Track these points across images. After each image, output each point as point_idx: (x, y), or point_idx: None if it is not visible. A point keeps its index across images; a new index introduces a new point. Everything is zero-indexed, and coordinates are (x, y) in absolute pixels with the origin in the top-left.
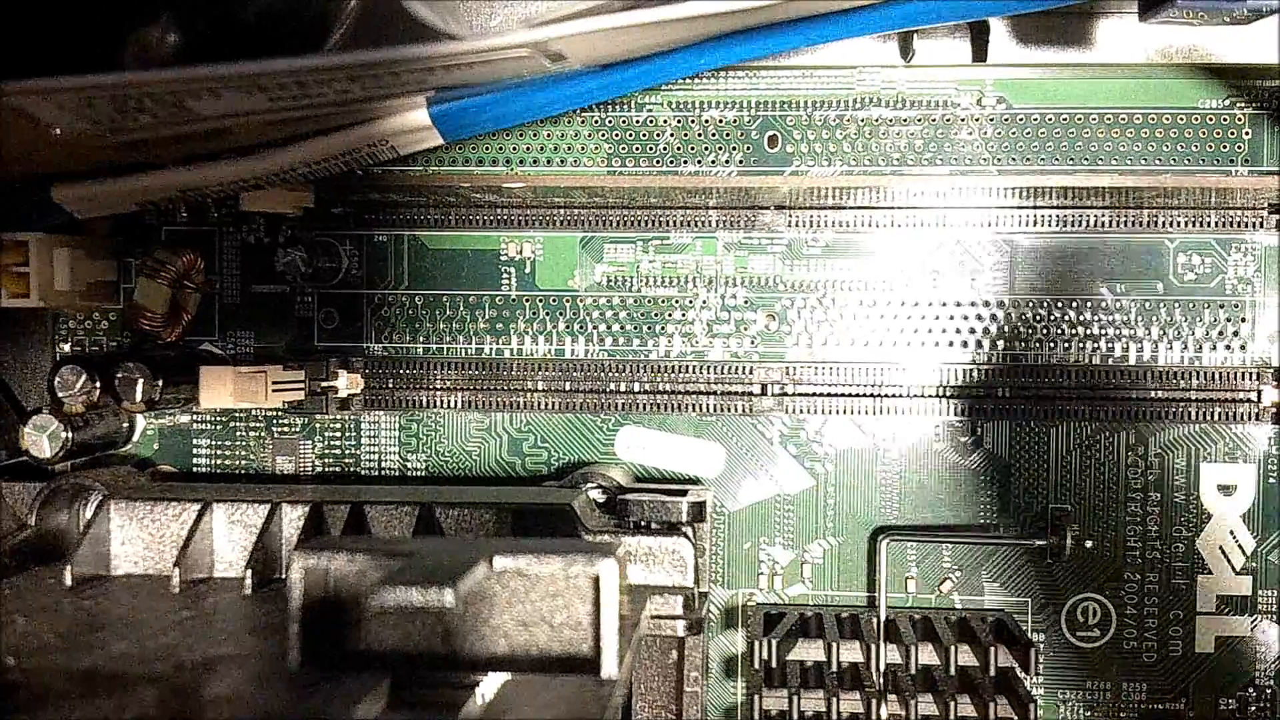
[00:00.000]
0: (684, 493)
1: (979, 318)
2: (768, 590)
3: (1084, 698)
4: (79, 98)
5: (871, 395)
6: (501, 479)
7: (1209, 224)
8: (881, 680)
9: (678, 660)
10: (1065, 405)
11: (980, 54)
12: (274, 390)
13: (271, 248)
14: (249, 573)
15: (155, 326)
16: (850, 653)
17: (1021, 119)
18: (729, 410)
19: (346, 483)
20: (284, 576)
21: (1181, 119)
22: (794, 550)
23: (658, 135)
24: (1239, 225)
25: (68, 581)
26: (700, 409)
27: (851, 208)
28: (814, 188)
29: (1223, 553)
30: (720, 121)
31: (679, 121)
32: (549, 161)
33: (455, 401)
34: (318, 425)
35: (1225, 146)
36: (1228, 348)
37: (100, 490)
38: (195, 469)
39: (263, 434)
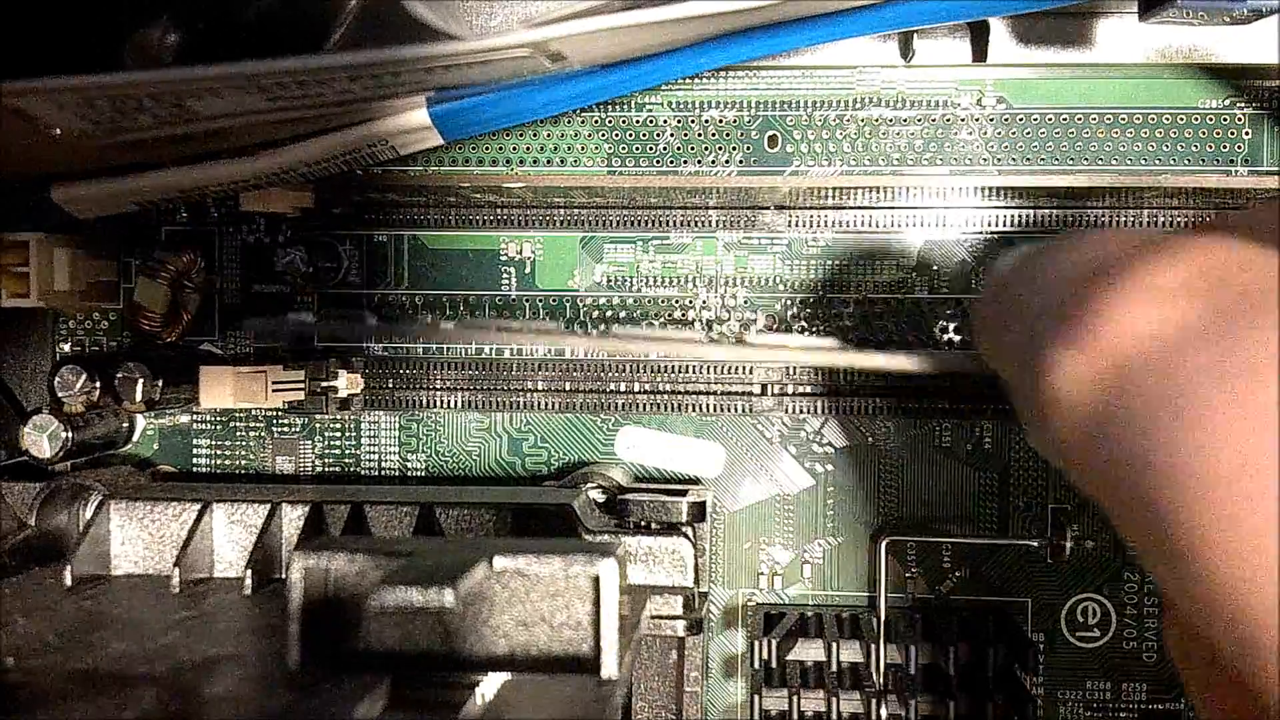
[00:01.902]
0: (684, 493)
1: None
2: (768, 590)
3: (1084, 698)
4: (78, 98)
5: (872, 394)
6: (501, 479)
7: None
8: (881, 680)
9: (678, 660)
10: None
11: (980, 54)
12: (274, 390)
13: (271, 248)
14: (249, 573)
15: (155, 326)
16: (850, 653)
17: (1021, 119)
18: (729, 410)
19: (346, 483)
20: (284, 576)
21: (1181, 119)
22: (794, 550)
23: (658, 135)
24: None
25: (67, 582)
26: (700, 409)
27: (852, 208)
28: (814, 188)
29: None
30: (720, 121)
31: (679, 121)
32: (549, 161)
33: (455, 401)
34: (318, 425)
35: (1225, 147)
36: None
37: (100, 490)
38: (195, 469)
39: (263, 434)
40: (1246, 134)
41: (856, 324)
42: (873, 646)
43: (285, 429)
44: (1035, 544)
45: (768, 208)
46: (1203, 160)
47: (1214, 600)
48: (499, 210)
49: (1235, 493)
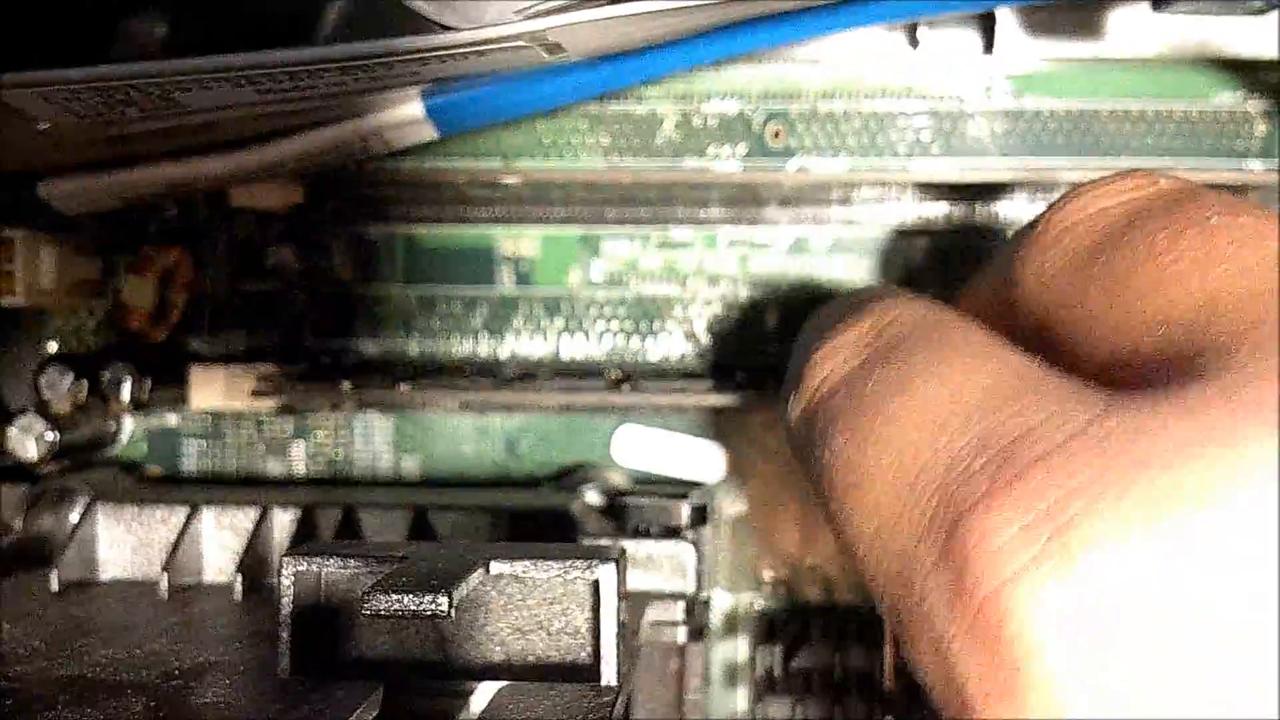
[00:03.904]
0: (685, 496)
1: None
2: (771, 596)
3: None
4: (65, 91)
5: None
6: (497, 482)
7: None
8: (888, 685)
9: (679, 668)
10: None
11: (989, 46)
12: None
13: (262, 245)
14: (239, 578)
15: (143, 325)
16: (856, 658)
17: (1031, 112)
18: (730, 411)
19: (338, 486)
20: (275, 582)
21: (1194, 113)
22: (798, 554)
23: (658, 128)
24: None
25: (54, 586)
26: (702, 409)
27: (857, 203)
28: (819, 182)
29: None
30: (723, 114)
31: (680, 114)
32: (546, 156)
33: (450, 403)
34: (309, 427)
35: (1238, 141)
36: None
37: (87, 493)
38: (184, 472)
39: (253, 436)
40: (1260, 128)
41: None
42: (878, 653)
43: (276, 431)
44: None
45: (771, 203)
46: (1215, 154)
47: (845, 541)
48: (495, 206)
49: (838, 485)
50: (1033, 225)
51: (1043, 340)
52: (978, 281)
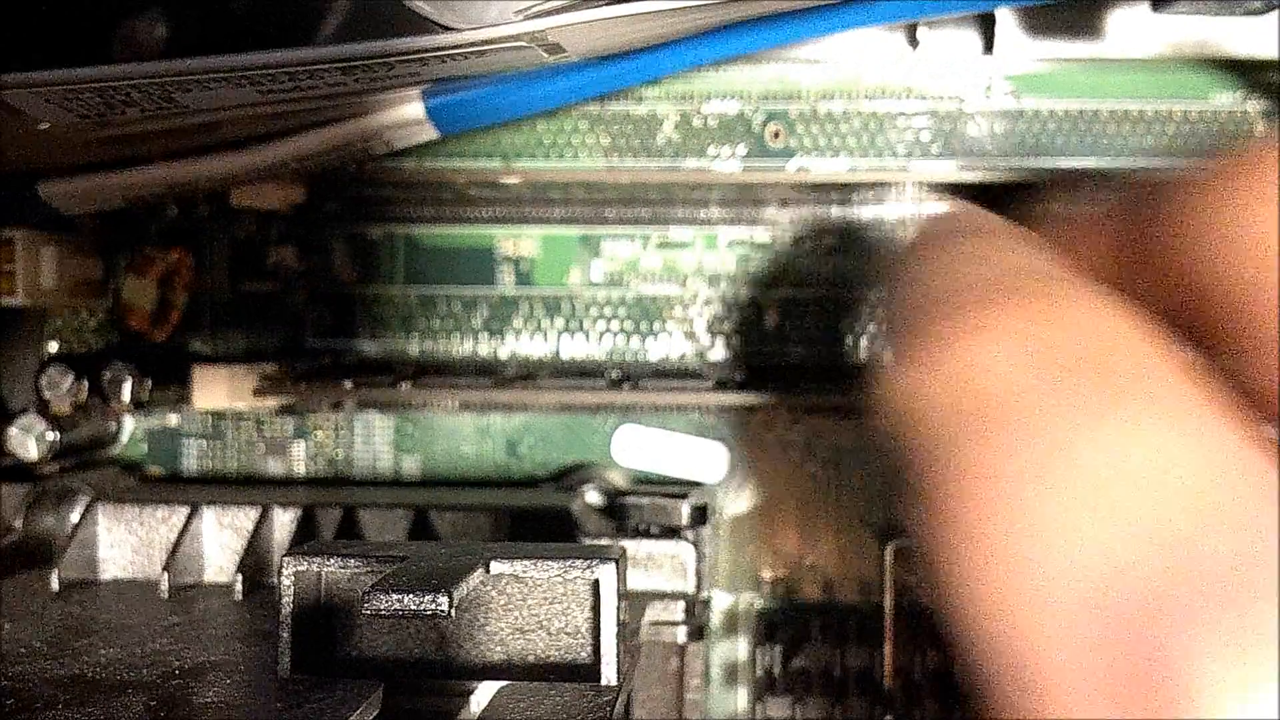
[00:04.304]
0: (685, 495)
1: None
2: (771, 595)
3: None
4: (65, 91)
5: None
6: (498, 482)
7: None
8: (888, 684)
9: (679, 667)
10: None
11: (989, 46)
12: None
13: (262, 245)
14: (239, 577)
15: (144, 325)
16: (855, 659)
17: (1030, 112)
18: (731, 411)
19: (339, 486)
20: (275, 581)
21: (1194, 113)
22: (798, 554)
23: (658, 129)
24: None
25: (54, 586)
26: (703, 409)
27: (857, 203)
28: (819, 182)
29: None
30: (722, 114)
31: (680, 114)
32: (546, 156)
33: (450, 403)
34: (309, 427)
35: (1238, 141)
36: None
37: (87, 493)
38: (184, 471)
39: (253, 436)
40: (1259, 128)
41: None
42: (878, 653)
43: (276, 431)
44: None
45: (771, 203)
46: (1214, 154)
47: (932, 557)
48: (495, 206)
49: (961, 510)
50: (1226, 167)
51: (1198, 339)
52: (1066, 213)
